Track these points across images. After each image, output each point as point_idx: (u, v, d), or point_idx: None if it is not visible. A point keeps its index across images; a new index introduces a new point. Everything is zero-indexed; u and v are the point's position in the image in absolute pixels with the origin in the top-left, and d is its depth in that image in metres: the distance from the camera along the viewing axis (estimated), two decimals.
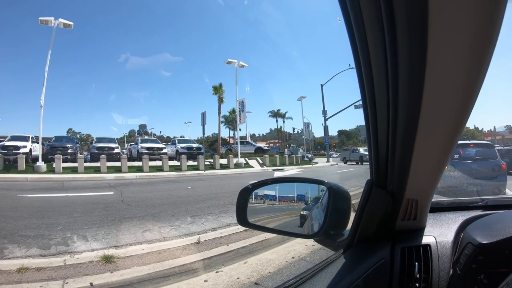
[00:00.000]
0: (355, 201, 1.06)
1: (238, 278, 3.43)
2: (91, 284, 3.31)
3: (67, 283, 3.35)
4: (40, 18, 17.48)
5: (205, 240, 4.74)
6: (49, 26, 17.64)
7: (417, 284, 0.87)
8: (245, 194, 1.14)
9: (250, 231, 4.98)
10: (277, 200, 1.16)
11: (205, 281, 3.37)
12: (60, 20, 17.67)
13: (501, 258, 0.85)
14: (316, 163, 28.40)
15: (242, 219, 1.13)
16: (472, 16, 0.53)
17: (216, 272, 3.61)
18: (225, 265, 3.84)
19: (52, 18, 17.50)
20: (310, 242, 4.40)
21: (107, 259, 3.85)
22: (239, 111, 25.86)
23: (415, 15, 0.55)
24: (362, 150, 26.68)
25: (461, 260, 0.89)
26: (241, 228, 5.24)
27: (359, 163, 24.85)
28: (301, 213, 1.12)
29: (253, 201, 1.15)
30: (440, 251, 0.93)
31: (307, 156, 31.92)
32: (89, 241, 4.79)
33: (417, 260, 0.90)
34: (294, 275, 1.04)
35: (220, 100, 34.52)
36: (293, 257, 4.03)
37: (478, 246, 0.87)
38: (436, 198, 1.00)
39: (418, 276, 0.88)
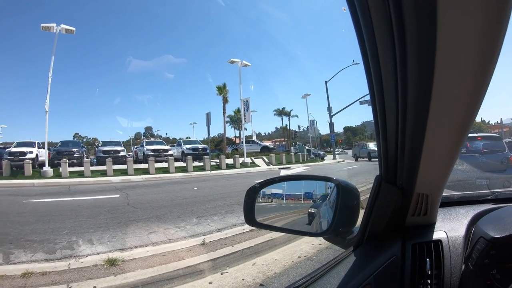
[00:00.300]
0: (362, 198, 1.04)
1: (243, 279, 3.36)
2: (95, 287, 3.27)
3: (70, 287, 3.33)
4: (42, 24, 17.64)
5: (210, 241, 4.70)
6: (52, 32, 17.78)
7: (429, 281, 0.85)
8: (252, 193, 1.13)
9: (256, 231, 4.94)
10: (284, 198, 1.15)
11: (210, 283, 3.31)
12: (62, 26, 17.78)
13: None
14: (323, 160, 28.20)
15: (249, 219, 1.12)
16: (482, 8, 0.52)
17: (221, 274, 3.55)
18: (230, 266, 3.78)
19: (54, 24, 17.62)
20: (317, 241, 4.33)
21: (111, 262, 3.82)
22: (244, 110, 25.81)
23: (424, 8, 0.54)
24: (372, 145, 24.96)
25: (473, 255, 0.86)
26: (246, 228, 5.20)
27: (368, 160, 23.96)
28: (309, 211, 1.09)
29: (260, 200, 1.14)
30: (451, 246, 0.91)
31: (315, 154, 31.52)
32: (94, 244, 4.77)
33: (429, 256, 0.88)
34: (300, 276, 1.00)
35: (225, 100, 34.47)
36: (299, 257, 3.95)
37: (490, 241, 0.84)
38: (445, 192, 0.97)
39: (429, 272, 0.86)
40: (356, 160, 26.38)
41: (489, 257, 0.83)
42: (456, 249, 0.91)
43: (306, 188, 1.13)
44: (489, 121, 64.11)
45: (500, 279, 0.81)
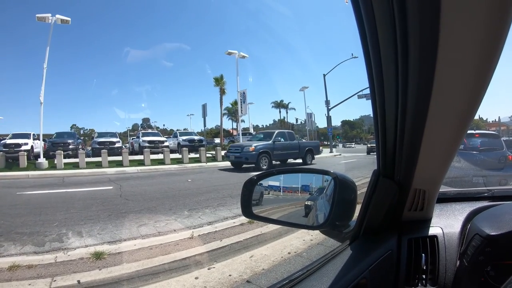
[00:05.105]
0: (359, 192, 1.03)
1: (230, 275, 3.30)
2: (79, 281, 3.22)
3: (55, 280, 3.27)
4: (37, 15, 17.26)
5: (199, 235, 4.63)
6: (47, 22, 17.44)
7: (424, 276, 0.88)
8: (250, 185, 1.13)
9: (246, 225, 4.91)
10: (281, 190, 1.16)
11: (196, 278, 3.25)
12: (57, 16, 17.45)
13: (509, 250, 0.84)
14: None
15: (247, 211, 1.13)
16: (485, 4, 0.51)
17: (208, 269, 3.49)
18: (217, 261, 3.72)
19: (49, 15, 17.29)
20: (308, 237, 4.30)
21: (98, 256, 3.77)
22: (241, 102, 25.65)
23: (427, 2, 0.54)
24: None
25: (469, 251, 0.88)
26: (237, 222, 5.17)
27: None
28: (306, 203, 1.10)
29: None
30: (447, 242, 0.93)
31: None
32: (83, 237, 4.72)
33: (424, 251, 0.91)
34: (288, 273, 0.98)
35: (222, 92, 34.27)
36: (289, 253, 3.90)
37: (486, 238, 0.85)
38: (441, 188, 0.97)
39: (425, 267, 0.88)
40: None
41: (484, 254, 0.84)
42: (451, 245, 0.92)
43: (303, 181, 1.13)
44: (487, 119, 64.31)
45: (494, 276, 0.84)
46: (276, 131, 16.57)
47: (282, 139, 15.94)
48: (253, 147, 14.25)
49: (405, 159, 0.83)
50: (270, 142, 15.20)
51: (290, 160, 17.14)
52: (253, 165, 13.84)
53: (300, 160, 17.14)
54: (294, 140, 17.01)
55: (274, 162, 15.29)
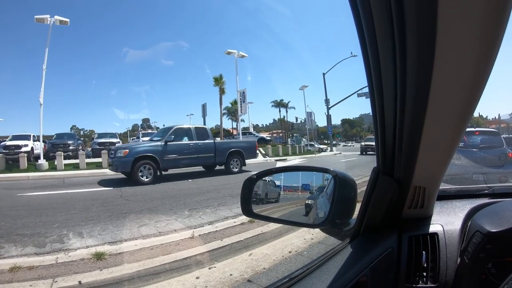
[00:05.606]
0: (359, 190, 1.02)
1: (231, 274, 3.31)
2: (80, 282, 3.22)
3: (56, 281, 3.27)
4: (35, 16, 17.21)
5: (200, 234, 4.63)
6: (46, 24, 17.38)
7: (425, 273, 0.87)
8: (249, 184, 1.12)
9: (246, 225, 4.90)
10: (282, 189, 1.16)
11: (197, 278, 3.26)
12: (56, 17, 17.36)
13: (510, 247, 0.83)
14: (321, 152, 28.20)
15: (247, 210, 1.12)
16: (483, 2, 0.51)
17: (209, 268, 3.49)
18: (218, 261, 3.72)
19: (48, 16, 17.25)
20: (309, 235, 4.31)
21: (99, 256, 3.77)
22: (240, 102, 25.65)
23: (424, 0, 0.54)
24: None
25: (469, 248, 0.88)
26: (237, 221, 5.17)
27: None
28: (306, 202, 1.10)
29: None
30: (447, 239, 0.93)
31: (312, 145, 31.55)
32: (84, 237, 4.72)
33: (425, 248, 0.90)
34: (289, 271, 0.97)
35: (221, 91, 34.33)
36: (290, 252, 3.91)
37: (486, 235, 0.85)
38: (442, 186, 0.98)
39: (425, 265, 0.88)
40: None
41: (485, 251, 0.84)
42: (452, 242, 0.92)
43: (303, 180, 1.13)
44: (487, 117, 64.42)
45: (495, 273, 0.83)
46: (174, 127, 11.82)
47: (186, 138, 11.79)
48: (127, 150, 10.37)
49: (405, 157, 0.82)
50: (160, 143, 11.13)
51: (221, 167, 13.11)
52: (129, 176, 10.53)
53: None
54: (208, 139, 12.37)
55: (171, 170, 11.99)
